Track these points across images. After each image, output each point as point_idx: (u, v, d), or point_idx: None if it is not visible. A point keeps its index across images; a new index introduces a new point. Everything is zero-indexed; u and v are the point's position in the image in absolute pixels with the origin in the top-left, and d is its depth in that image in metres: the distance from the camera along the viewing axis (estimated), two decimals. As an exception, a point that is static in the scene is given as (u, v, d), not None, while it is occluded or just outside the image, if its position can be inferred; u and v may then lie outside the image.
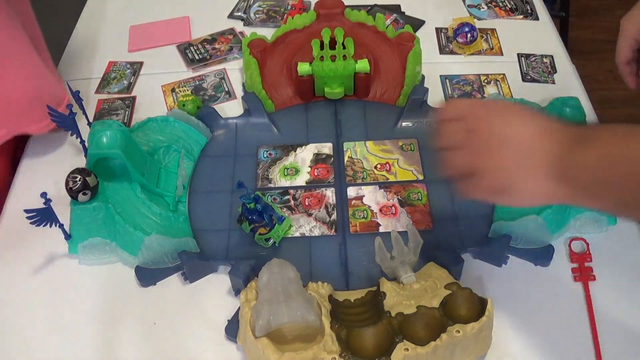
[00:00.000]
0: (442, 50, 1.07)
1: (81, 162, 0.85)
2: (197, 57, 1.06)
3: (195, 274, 0.76)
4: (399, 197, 0.83)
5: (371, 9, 1.14)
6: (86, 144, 0.83)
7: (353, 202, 0.82)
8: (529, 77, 1.01)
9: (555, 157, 0.55)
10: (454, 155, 0.62)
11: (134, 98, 0.99)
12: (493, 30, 1.10)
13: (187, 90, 1.00)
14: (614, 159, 0.52)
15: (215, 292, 0.75)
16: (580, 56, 2.18)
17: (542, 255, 0.76)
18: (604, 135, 0.54)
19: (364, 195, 0.83)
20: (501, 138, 0.58)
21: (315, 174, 0.86)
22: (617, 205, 0.54)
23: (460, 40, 1.06)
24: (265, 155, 0.88)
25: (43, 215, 0.72)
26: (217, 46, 1.08)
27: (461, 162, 0.61)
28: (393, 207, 0.82)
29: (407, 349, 0.60)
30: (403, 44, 0.94)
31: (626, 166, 0.51)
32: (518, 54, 1.05)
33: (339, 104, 0.95)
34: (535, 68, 1.02)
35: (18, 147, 0.94)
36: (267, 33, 0.99)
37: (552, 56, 1.04)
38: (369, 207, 0.82)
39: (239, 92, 1.00)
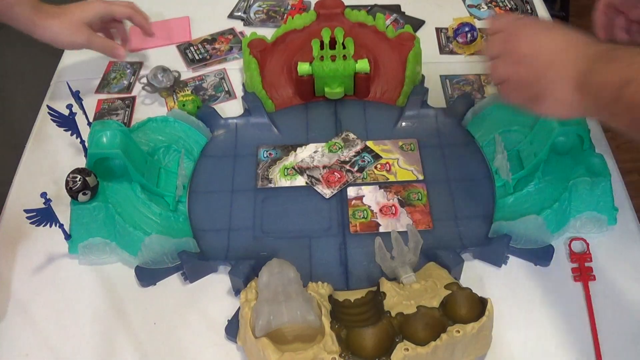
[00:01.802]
0: (442, 50, 1.07)
1: (81, 162, 0.85)
2: (197, 57, 1.06)
3: (195, 274, 0.76)
4: (399, 197, 0.83)
5: (371, 9, 1.14)
6: (86, 144, 0.83)
7: (353, 202, 0.82)
8: (529, 77, 1.01)
9: (581, 70, 0.58)
10: (495, 65, 0.67)
11: (134, 98, 0.99)
12: (493, 30, 1.09)
13: (187, 90, 1.00)
14: (630, 79, 0.55)
15: (215, 292, 0.75)
16: (580, 56, 2.17)
17: (542, 255, 0.76)
18: (626, 56, 0.57)
19: (364, 195, 0.83)
20: (534, 49, 0.63)
21: (315, 174, 0.86)
22: (633, 123, 0.56)
23: (460, 40, 1.06)
24: (265, 155, 0.88)
25: (43, 215, 0.72)
26: (217, 46, 1.08)
27: (501, 71, 0.66)
28: (393, 207, 0.82)
29: (407, 349, 0.60)
30: (403, 44, 0.94)
31: (637, 87, 0.54)
32: (518, 54, 1.05)
33: (339, 104, 0.95)
34: (535, 68, 1.02)
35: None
36: (267, 33, 0.99)
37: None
38: (369, 207, 0.82)
39: (239, 92, 1.00)
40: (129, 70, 1.04)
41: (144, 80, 0.99)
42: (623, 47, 0.59)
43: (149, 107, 0.98)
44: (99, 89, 1.02)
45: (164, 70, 0.98)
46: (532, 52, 0.63)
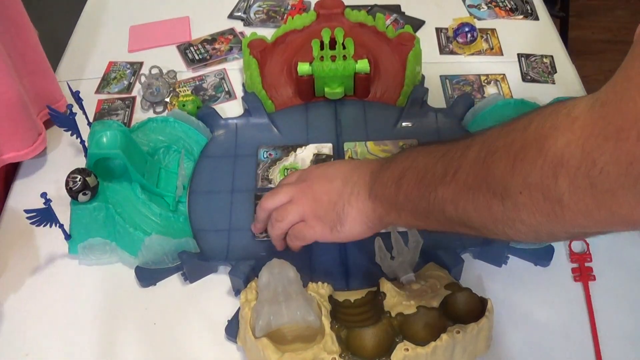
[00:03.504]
0: (442, 50, 1.07)
1: (81, 162, 0.85)
2: (197, 57, 1.06)
3: (195, 274, 0.76)
4: (399, 197, 0.83)
5: (371, 9, 1.14)
6: (86, 144, 0.83)
7: (353, 202, 0.82)
8: (529, 77, 1.01)
9: (368, 182, 0.64)
10: (288, 209, 0.69)
11: (134, 98, 0.99)
12: (493, 30, 1.10)
13: (187, 90, 1.00)
14: (404, 172, 0.60)
15: (215, 292, 0.75)
16: (580, 56, 2.18)
17: (542, 255, 0.76)
18: (400, 156, 0.63)
19: (364, 196, 0.83)
20: (323, 180, 0.67)
21: (315, 174, 0.86)
22: (417, 217, 0.60)
23: (460, 40, 1.06)
24: (265, 156, 0.88)
25: (43, 216, 0.72)
26: (217, 46, 1.08)
27: (294, 214, 0.68)
28: (393, 207, 0.82)
29: (407, 349, 0.60)
30: (403, 44, 0.94)
31: (413, 177, 0.58)
32: (518, 54, 1.05)
33: (339, 104, 0.95)
34: (535, 68, 1.02)
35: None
36: (267, 33, 0.99)
37: (552, 56, 1.04)
38: (369, 207, 0.82)
39: (239, 92, 1.00)
40: (129, 71, 1.04)
41: (142, 93, 0.99)
42: (398, 153, 0.64)
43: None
44: (99, 89, 1.02)
45: (157, 78, 0.98)
46: (326, 182, 0.67)
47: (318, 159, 0.88)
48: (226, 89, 1.01)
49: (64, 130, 0.84)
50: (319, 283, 0.69)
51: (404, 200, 0.60)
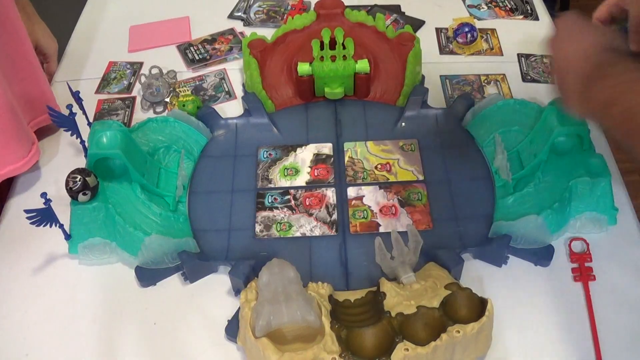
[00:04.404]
0: (442, 50, 1.07)
1: (81, 162, 0.85)
2: (197, 57, 1.06)
3: (195, 274, 0.76)
4: (399, 197, 0.83)
5: (371, 9, 1.14)
6: (86, 144, 0.83)
7: (353, 202, 0.82)
8: (529, 77, 1.01)
9: (579, 87, 0.64)
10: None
11: (134, 98, 0.99)
12: (493, 30, 1.10)
13: (187, 90, 1.00)
14: (613, 101, 0.59)
15: (215, 292, 0.75)
16: (580, 56, 2.17)
17: (542, 255, 0.76)
18: (614, 74, 0.61)
19: (364, 196, 0.83)
20: (560, 55, 0.70)
21: (315, 174, 0.86)
22: (625, 135, 0.59)
23: (460, 40, 1.06)
24: (265, 156, 0.88)
25: (43, 215, 0.72)
26: (217, 46, 1.08)
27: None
28: (393, 207, 0.82)
29: (407, 349, 0.60)
30: (403, 44, 0.94)
31: (623, 110, 0.58)
32: (518, 54, 1.05)
33: (339, 104, 0.95)
34: (535, 68, 1.02)
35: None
36: (267, 33, 0.99)
37: (552, 56, 1.04)
38: (369, 207, 0.82)
39: (239, 92, 1.00)
40: (129, 71, 1.04)
41: (142, 93, 0.99)
42: (618, 62, 0.62)
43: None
44: (99, 89, 1.02)
45: (157, 78, 0.98)
46: (559, 58, 0.70)
47: (318, 158, 0.88)
48: (226, 89, 1.01)
49: (64, 130, 0.84)
50: (319, 283, 0.69)
51: (609, 124, 0.61)
